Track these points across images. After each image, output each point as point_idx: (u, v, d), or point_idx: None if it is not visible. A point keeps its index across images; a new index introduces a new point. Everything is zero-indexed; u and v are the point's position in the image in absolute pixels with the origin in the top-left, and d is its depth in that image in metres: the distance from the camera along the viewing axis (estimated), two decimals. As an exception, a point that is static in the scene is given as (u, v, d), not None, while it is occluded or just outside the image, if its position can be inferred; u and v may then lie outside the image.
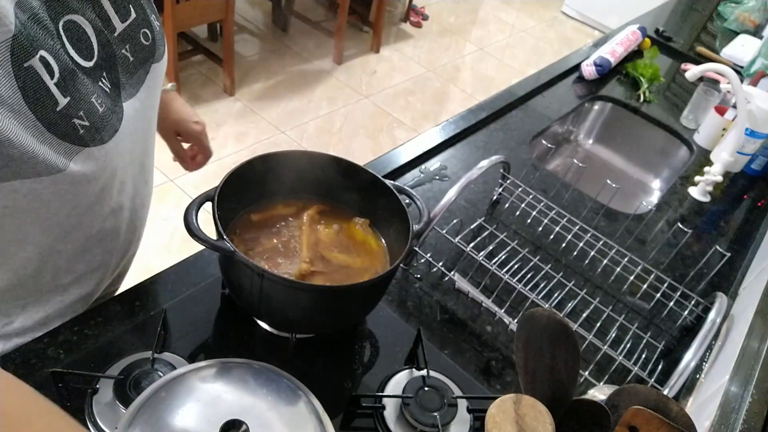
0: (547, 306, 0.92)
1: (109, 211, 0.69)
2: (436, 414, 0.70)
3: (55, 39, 0.53)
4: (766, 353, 0.71)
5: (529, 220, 1.08)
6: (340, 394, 0.74)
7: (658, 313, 1.00)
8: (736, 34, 2.14)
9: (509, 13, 4.66)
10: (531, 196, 1.09)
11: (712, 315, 0.85)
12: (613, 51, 1.68)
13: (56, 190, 0.58)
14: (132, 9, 0.63)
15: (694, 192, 1.33)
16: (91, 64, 0.57)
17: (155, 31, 0.67)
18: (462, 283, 0.93)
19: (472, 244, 0.98)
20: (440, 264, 0.94)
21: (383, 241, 0.83)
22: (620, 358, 0.86)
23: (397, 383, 0.75)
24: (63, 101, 0.53)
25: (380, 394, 0.73)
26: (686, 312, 0.98)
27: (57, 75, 0.52)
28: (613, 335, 0.91)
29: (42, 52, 0.51)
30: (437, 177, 1.17)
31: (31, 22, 0.50)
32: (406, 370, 0.77)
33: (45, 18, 0.52)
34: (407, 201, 0.80)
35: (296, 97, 3.10)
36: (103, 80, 0.59)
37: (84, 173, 0.59)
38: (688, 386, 0.85)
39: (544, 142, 1.29)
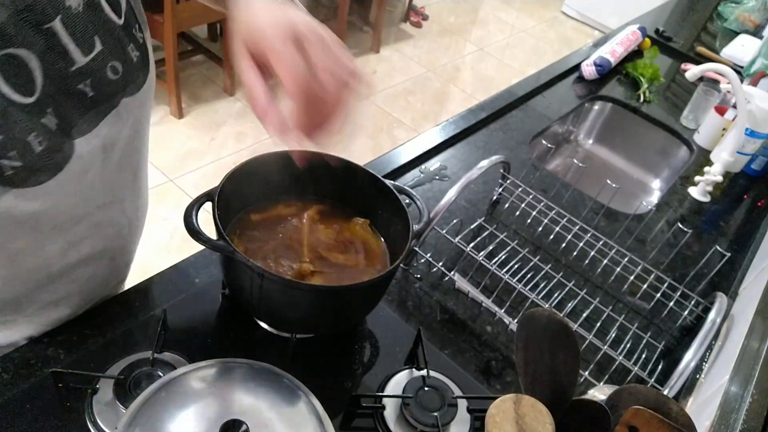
0: (547, 306, 0.92)
1: (66, 247, 0.66)
2: (436, 414, 0.70)
3: None
4: (766, 353, 0.71)
5: (529, 220, 1.08)
6: (340, 394, 0.74)
7: (658, 313, 1.00)
8: (736, 34, 2.14)
9: (509, 13, 4.66)
10: (531, 196, 1.09)
11: (712, 315, 0.85)
12: (613, 51, 1.68)
13: None
14: (98, 41, 0.56)
15: (694, 192, 1.33)
16: (31, 99, 0.52)
17: (131, 63, 0.61)
18: (462, 283, 0.93)
19: (472, 244, 0.98)
20: (440, 264, 0.94)
21: (383, 241, 0.83)
22: (620, 358, 0.86)
23: (397, 383, 0.75)
24: None
25: (380, 394, 0.73)
26: (686, 312, 0.98)
27: None
28: (613, 335, 0.91)
29: None
30: (437, 177, 1.17)
31: None
32: (406, 370, 0.77)
33: None
34: (407, 201, 0.80)
35: (296, 97, 3.10)
36: (49, 116, 0.54)
37: (14, 213, 0.55)
38: (688, 386, 0.85)
39: (544, 142, 1.29)
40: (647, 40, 1.87)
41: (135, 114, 0.66)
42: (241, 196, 0.79)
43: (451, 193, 0.92)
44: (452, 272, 0.95)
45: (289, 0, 0.62)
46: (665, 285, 1.01)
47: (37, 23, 0.51)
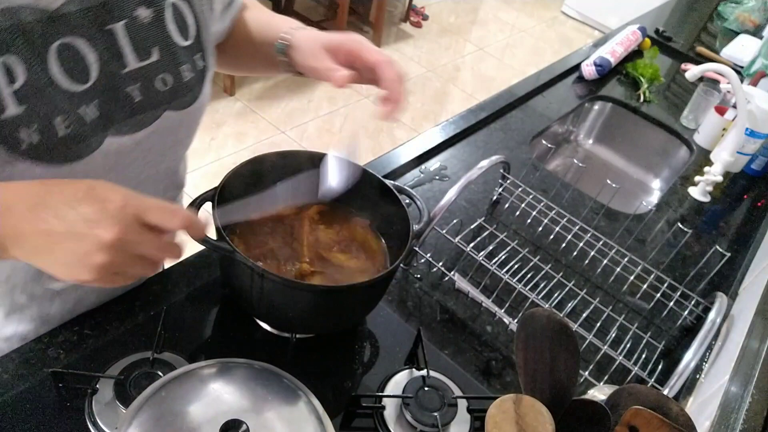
0: (547, 306, 0.92)
1: None
2: (436, 414, 0.70)
3: (35, 52, 0.52)
4: (766, 353, 0.71)
5: (529, 220, 1.08)
6: (340, 394, 0.74)
7: (658, 313, 1.00)
8: (736, 34, 2.14)
9: (509, 13, 4.66)
10: (531, 196, 1.09)
11: (712, 315, 0.85)
12: (613, 51, 1.68)
13: None
14: (156, 52, 0.61)
15: (694, 192, 1.33)
16: (81, 88, 0.56)
17: (181, 81, 0.65)
18: (462, 283, 0.93)
19: (472, 244, 0.98)
20: (440, 264, 0.94)
21: (383, 241, 0.83)
22: (620, 358, 0.86)
23: (397, 383, 0.75)
24: (13, 110, 0.52)
25: (380, 394, 0.73)
26: (686, 312, 0.98)
27: (19, 84, 0.51)
28: (613, 335, 0.91)
29: (9, 57, 0.50)
30: (437, 177, 1.17)
31: (8, 24, 0.50)
32: (406, 370, 0.77)
33: (32, 31, 0.51)
34: (407, 201, 0.80)
35: (296, 97, 3.10)
36: (90, 108, 0.57)
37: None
38: (688, 386, 0.85)
39: (544, 142, 1.29)
40: (647, 40, 1.87)
41: (175, 129, 0.68)
42: (241, 196, 0.79)
43: (451, 193, 0.92)
44: (452, 272, 0.95)
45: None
46: (665, 285, 1.01)
47: (101, 23, 0.56)
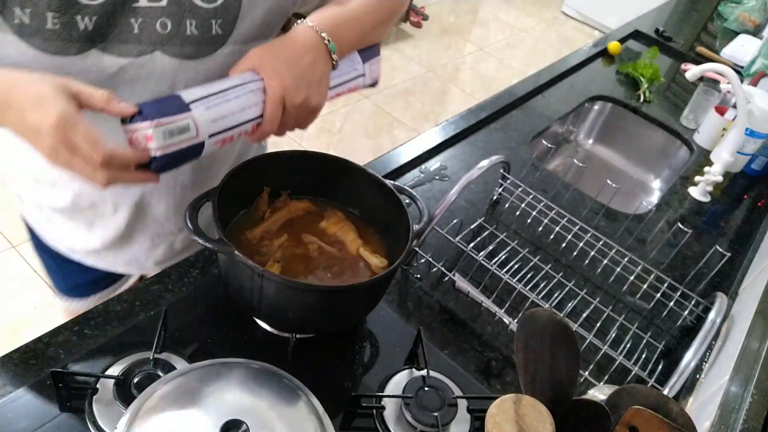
0: (547, 306, 0.92)
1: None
2: (436, 414, 0.70)
3: None
4: (766, 353, 0.71)
5: (529, 220, 1.08)
6: (340, 394, 0.74)
7: (658, 313, 1.00)
8: (736, 34, 2.14)
9: (509, 13, 4.66)
10: (531, 196, 1.09)
11: (712, 315, 0.85)
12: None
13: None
14: None
15: (694, 192, 1.33)
16: (86, 1, 0.60)
17: (182, 32, 0.67)
18: (462, 283, 0.93)
19: (472, 244, 0.98)
20: (440, 264, 0.94)
21: (383, 242, 0.83)
22: (620, 358, 0.86)
23: (397, 383, 0.75)
24: None
25: (380, 394, 0.73)
26: (686, 312, 0.98)
27: None
28: (613, 335, 0.91)
29: None
30: (437, 177, 1.17)
31: None
32: (406, 370, 0.77)
33: None
34: (407, 201, 0.80)
35: (296, 97, 3.10)
36: (86, 19, 0.62)
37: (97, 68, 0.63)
38: (688, 386, 0.85)
39: (544, 142, 1.29)
40: (617, 43, 1.80)
41: (169, 77, 0.69)
42: (241, 196, 0.79)
43: (451, 193, 0.92)
44: (452, 272, 0.95)
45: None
46: (665, 285, 1.01)
47: None
